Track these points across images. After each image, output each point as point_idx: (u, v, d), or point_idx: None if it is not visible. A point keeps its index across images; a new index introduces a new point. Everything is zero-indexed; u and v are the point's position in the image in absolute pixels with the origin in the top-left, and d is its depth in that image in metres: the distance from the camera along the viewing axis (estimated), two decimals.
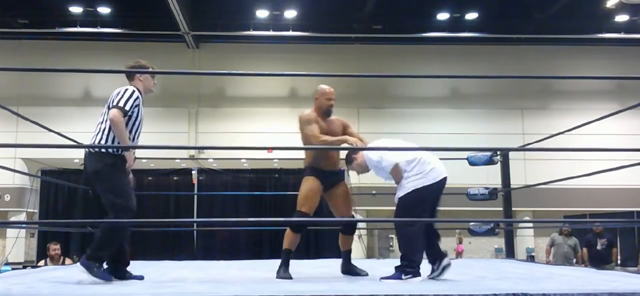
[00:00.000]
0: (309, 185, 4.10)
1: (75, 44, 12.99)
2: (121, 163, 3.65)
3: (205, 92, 13.59)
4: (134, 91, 3.68)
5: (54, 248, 7.42)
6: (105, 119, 3.66)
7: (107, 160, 3.61)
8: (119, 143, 3.59)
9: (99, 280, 3.40)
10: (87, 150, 3.70)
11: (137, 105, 3.69)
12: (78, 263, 3.56)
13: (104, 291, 3.11)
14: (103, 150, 3.62)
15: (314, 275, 4.08)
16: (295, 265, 4.05)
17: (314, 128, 4.10)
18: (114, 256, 3.67)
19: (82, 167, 3.90)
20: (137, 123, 3.72)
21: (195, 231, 13.05)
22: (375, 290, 3.06)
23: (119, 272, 3.67)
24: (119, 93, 3.66)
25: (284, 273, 3.91)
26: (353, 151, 4.00)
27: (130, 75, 3.87)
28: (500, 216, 6.63)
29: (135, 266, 3.89)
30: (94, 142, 3.63)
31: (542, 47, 13.63)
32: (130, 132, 3.67)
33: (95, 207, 3.79)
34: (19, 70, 12.02)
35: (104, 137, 3.63)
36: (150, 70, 3.89)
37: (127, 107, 3.61)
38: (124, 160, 3.66)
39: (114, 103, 3.60)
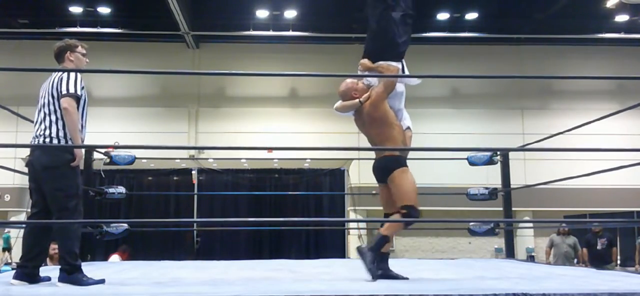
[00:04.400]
0: (412, 176, 3.70)
1: None
2: (75, 159, 3.40)
3: (205, 92, 13.59)
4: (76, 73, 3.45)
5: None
6: (51, 110, 3.38)
7: (66, 155, 3.36)
8: (68, 133, 3.35)
9: (94, 285, 3.31)
10: (35, 142, 3.40)
11: (83, 87, 3.47)
12: (59, 284, 3.29)
13: (104, 291, 3.11)
14: (59, 143, 3.36)
15: (314, 275, 4.08)
16: (295, 265, 4.04)
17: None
18: (31, 256, 3.42)
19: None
20: (85, 106, 3.51)
21: (195, 231, 13.06)
22: (375, 289, 3.05)
23: (31, 275, 3.39)
24: (61, 78, 3.39)
25: (376, 268, 3.47)
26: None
27: (59, 58, 3.61)
28: (500, 216, 6.62)
29: (135, 266, 3.88)
30: (49, 135, 3.36)
31: (542, 47, 13.63)
32: (82, 117, 3.47)
33: (43, 203, 3.45)
34: (19, 70, 12.00)
35: (60, 128, 3.37)
36: (80, 47, 3.64)
37: (79, 91, 3.39)
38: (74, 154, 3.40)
39: (64, 91, 3.35)
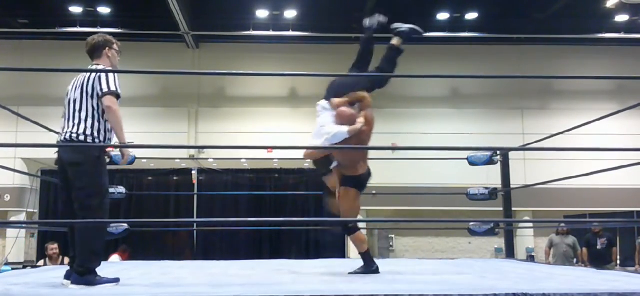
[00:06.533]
0: None
1: (75, 44, 12.97)
2: (104, 157, 3.40)
3: (205, 92, 13.59)
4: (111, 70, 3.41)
5: (52, 248, 7.43)
6: (81, 107, 3.35)
7: (93, 153, 3.32)
8: (111, 132, 3.33)
9: (108, 285, 3.28)
10: (64, 139, 3.37)
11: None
12: (72, 286, 3.23)
13: (104, 291, 3.11)
14: (89, 141, 3.32)
15: (314, 275, 4.08)
16: (295, 265, 4.04)
17: None
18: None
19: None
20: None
21: (195, 232, 13.05)
22: (375, 289, 3.05)
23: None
24: (99, 76, 3.34)
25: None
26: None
27: (96, 53, 3.56)
28: (500, 216, 6.63)
29: (135, 266, 3.88)
30: (77, 132, 3.32)
31: (542, 47, 13.63)
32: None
33: (65, 202, 3.46)
34: (19, 70, 12.00)
35: (88, 127, 3.34)
36: (116, 44, 3.65)
37: (119, 89, 3.34)
38: (105, 152, 3.40)
39: (105, 89, 3.30)
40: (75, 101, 3.39)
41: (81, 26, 12.31)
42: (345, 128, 3.99)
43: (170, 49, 13.35)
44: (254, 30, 12.64)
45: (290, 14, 12.35)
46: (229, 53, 13.48)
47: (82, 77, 3.44)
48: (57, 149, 3.46)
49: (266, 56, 13.39)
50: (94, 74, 3.38)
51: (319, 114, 4.21)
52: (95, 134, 3.37)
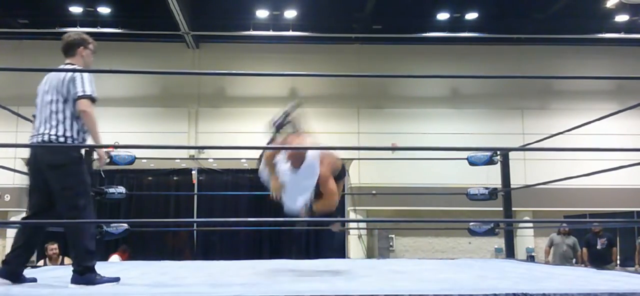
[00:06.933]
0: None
1: None
2: (83, 157, 3.39)
3: (205, 92, 13.58)
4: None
5: (52, 248, 7.44)
6: (58, 108, 3.30)
7: (74, 153, 3.30)
8: (87, 135, 3.31)
9: (108, 284, 3.28)
10: (41, 140, 3.29)
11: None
12: (72, 286, 3.21)
13: (104, 291, 3.11)
14: (69, 142, 3.28)
15: (314, 275, 4.08)
16: (295, 265, 4.04)
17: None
18: (18, 254, 3.33)
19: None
20: None
21: (195, 232, 13.05)
22: (375, 289, 3.05)
23: (14, 273, 3.32)
24: (74, 78, 3.30)
25: None
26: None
27: (71, 50, 3.51)
28: (500, 216, 6.63)
29: (135, 266, 3.88)
30: (55, 134, 3.27)
31: (542, 47, 13.63)
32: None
33: (44, 203, 3.40)
34: (19, 70, 11.99)
35: (67, 128, 3.30)
36: (92, 45, 3.60)
37: (94, 93, 3.31)
38: (106, 153, 3.46)
39: (79, 92, 3.27)
40: (51, 102, 3.35)
41: (81, 26, 12.28)
42: (313, 160, 4.11)
43: (170, 49, 13.35)
44: (254, 30, 12.64)
45: (290, 14, 12.35)
46: (229, 53, 13.47)
47: (53, 77, 3.40)
48: (28, 150, 3.42)
49: (266, 56, 13.39)
50: (68, 75, 3.33)
51: (285, 174, 4.31)
52: (75, 136, 3.35)
